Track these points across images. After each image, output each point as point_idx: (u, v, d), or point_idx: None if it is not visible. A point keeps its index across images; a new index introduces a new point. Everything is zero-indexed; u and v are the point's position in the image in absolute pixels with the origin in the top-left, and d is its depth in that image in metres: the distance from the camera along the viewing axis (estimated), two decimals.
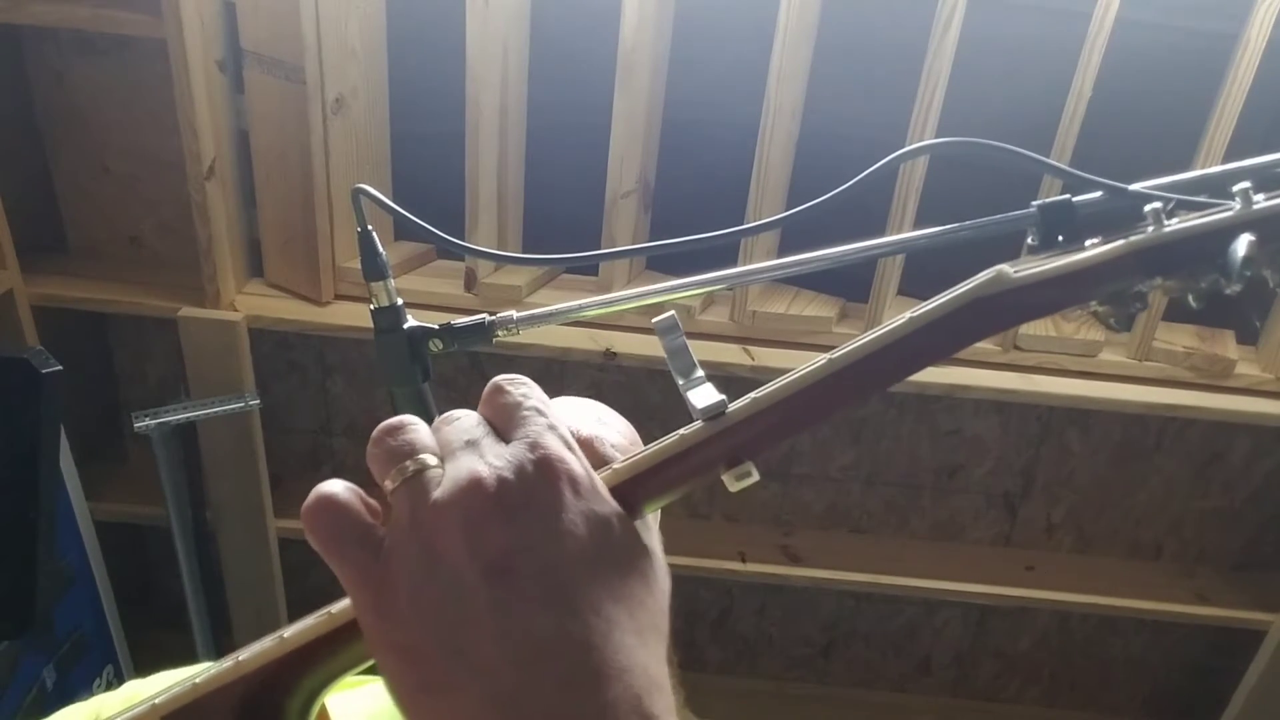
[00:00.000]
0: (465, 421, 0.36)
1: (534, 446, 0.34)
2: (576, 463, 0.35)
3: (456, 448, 0.35)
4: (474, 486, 0.33)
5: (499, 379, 0.37)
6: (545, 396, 0.37)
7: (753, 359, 1.54)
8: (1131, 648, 2.03)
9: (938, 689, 2.12)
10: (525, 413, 0.36)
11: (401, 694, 0.33)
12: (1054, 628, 2.02)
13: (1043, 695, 2.12)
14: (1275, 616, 1.69)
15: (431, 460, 0.34)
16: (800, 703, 2.09)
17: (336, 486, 0.35)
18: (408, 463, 0.34)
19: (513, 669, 0.31)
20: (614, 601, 0.33)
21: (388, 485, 0.34)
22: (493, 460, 0.34)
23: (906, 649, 2.07)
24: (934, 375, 1.53)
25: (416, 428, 0.35)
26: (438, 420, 0.37)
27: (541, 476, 0.34)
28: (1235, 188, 0.41)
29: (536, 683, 0.31)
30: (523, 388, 0.37)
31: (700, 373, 0.38)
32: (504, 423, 0.36)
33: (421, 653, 0.32)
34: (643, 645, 0.33)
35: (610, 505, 0.35)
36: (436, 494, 0.33)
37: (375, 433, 0.35)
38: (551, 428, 0.36)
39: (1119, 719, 2.11)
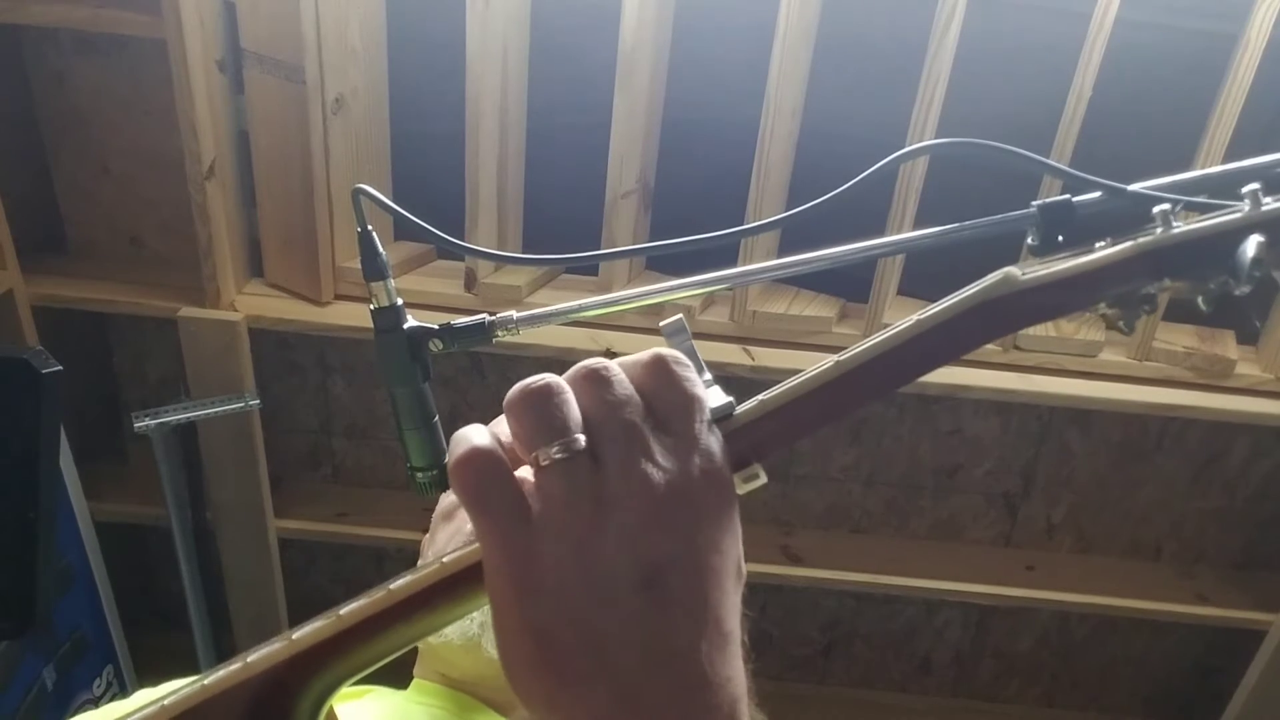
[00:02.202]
0: (621, 391, 0.34)
1: (704, 454, 0.34)
2: (729, 467, 0.35)
3: (614, 432, 0.33)
4: (643, 491, 0.32)
5: (666, 353, 0.35)
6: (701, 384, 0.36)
7: (753, 359, 1.54)
8: (1131, 648, 2.03)
9: (938, 689, 2.12)
10: (693, 404, 0.34)
11: (520, 668, 0.33)
12: (1054, 628, 2.02)
13: (1043, 695, 2.12)
14: (1275, 616, 1.69)
15: (584, 442, 0.33)
16: (800, 703, 2.09)
17: (487, 438, 0.33)
18: (565, 440, 0.32)
19: (644, 673, 0.32)
20: (731, 613, 0.34)
21: (541, 458, 0.33)
22: (663, 462, 0.33)
23: (906, 649, 2.07)
24: (934, 375, 1.51)
25: (570, 401, 0.33)
26: (580, 377, 0.34)
27: (708, 490, 0.33)
28: (1245, 189, 0.40)
29: (661, 687, 0.32)
30: (688, 371, 0.35)
31: (708, 375, 0.38)
32: (667, 404, 0.34)
33: (556, 636, 0.32)
34: (739, 654, 0.34)
35: (737, 511, 0.35)
36: (605, 488, 0.32)
37: (527, 390, 0.33)
38: (711, 425, 0.35)
39: (1119, 719, 2.11)
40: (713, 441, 0.34)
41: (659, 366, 0.35)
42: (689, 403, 0.35)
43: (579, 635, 0.32)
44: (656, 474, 0.33)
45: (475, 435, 0.34)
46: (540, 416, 0.33)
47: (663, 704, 0.32)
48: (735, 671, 0.34)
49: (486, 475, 0.33)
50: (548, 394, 0.33)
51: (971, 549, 1.89)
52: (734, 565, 0.35)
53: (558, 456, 0.32)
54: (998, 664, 2.08)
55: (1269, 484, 1.82)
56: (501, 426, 0.35)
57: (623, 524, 0.32)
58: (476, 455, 0.33)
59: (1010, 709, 2.13)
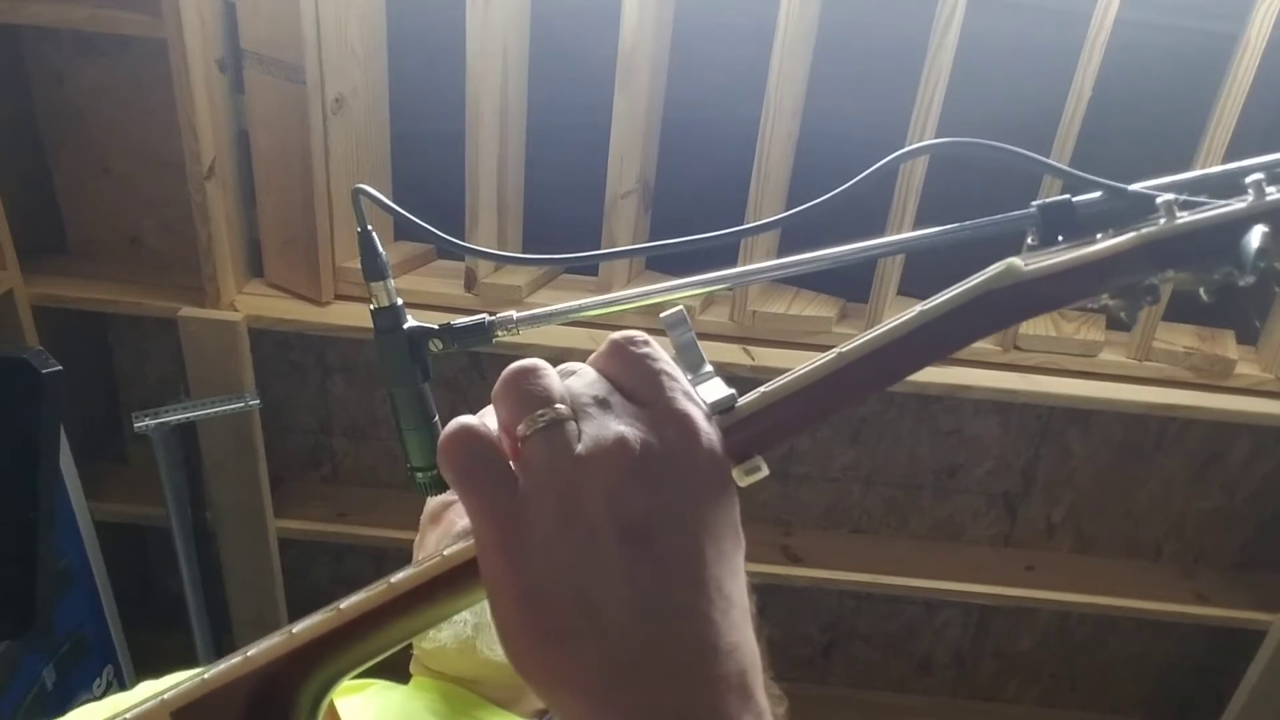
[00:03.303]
0: (589, 375, 0.36)
1: (675, 414, 0.34)
2: (714, 433, 0.35)
3: (587, 404, 0.34)
4: (619, 448, 0.33)
5: (621, 336, 0.36)
6: (669, 358, 0.37)
7: (753, 359, 1.54)
8: (1131, 648, 2.03)
9: (938, 689, 2.12)
10: (660, 376, 0.35)
11: (516, 638, 0.33)
12: (1054, 628, 2.02)
13: (1043, 695, 2.12)
14: (1275, 616, 1.69)
15: (566, 411, 0.34)
16: (800, 703, 2.08)
17: (475, 420, 0.34)
18: (545, 410, 0.33)
19: (638, 632, 0.31)
20: (731, 577, 0.34)
21: (521, 430, 0.33)
22: (635, 423, 0.34)
23: (906, 649, 2.07)
24: (934, 375, 1.53)
25: (550, 375, 0.35)
26: (559, 370, 0.36)
27: (684, 445, 0.34)
28: (1248, 179, 0.40)
29: (658, 648, 0.31)
30: (647, 348, 0.36)
31: (709, 367, 0.38)
32: (632, 380, 0.35)
33: (546, 601, 0.32)
34: (746, 622, 0.34)
35: (733, 480, 0.35)
36: (579, 449, 0.33)
37: (508, 373, 0.35)
38: (687, 394, 0.35)
39: (1119, 719, 2.11)
40: (689, 407, 0.35)
41: (616, 349, 0.36)
42: (652, 374, 0.35)
43: (569, 593, 0.32)
44: (632, 435, 0.33)
45: (464, 419, 0.35)
46: (521, 393, 0.34)
47: (662, 666, 0.31)
48: (742, 639, 0.33)
49: (472, 451, 0.34)
50: (527, 372, 0.35)
51: (971, 549, 1.89)
52: (728, 529, 0.34)
53: (540, 425, 0.33)
54: (998, 664, 2.08)
55: (1269, 484, 1.82)
56: (491, 419, 0.36)
57: (603, 482, 0.32)
58: (462, 432, 0.34)
59: (1010, 709, 2.13)
